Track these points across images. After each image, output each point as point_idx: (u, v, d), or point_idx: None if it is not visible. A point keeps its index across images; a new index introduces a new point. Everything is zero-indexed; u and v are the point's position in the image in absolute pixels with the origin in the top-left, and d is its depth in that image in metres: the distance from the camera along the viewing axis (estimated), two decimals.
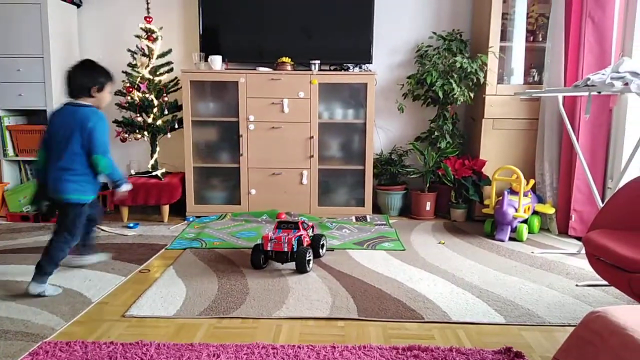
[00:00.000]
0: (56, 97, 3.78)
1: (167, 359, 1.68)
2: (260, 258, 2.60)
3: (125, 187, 2.41)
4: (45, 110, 3.76)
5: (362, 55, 3.85)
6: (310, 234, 2.80)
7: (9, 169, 3.89)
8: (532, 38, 3.69)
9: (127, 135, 3.73)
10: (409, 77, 3.86)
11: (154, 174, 3.76)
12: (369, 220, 3.66)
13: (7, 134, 3.81)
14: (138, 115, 3.69)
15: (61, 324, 1.95)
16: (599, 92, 2.60)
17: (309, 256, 2.58)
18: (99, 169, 2.30)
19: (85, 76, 2.36)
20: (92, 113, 2.32)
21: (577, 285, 2.42)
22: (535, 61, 3.70)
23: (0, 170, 3.83)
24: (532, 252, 2.98)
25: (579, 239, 3.20)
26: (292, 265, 2.60)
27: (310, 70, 3.64)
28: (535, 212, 3.44)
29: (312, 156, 3.68)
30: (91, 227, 2.58)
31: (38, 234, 3.25)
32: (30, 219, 3.60)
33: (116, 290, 2.34)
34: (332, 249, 2.96)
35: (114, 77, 2.45)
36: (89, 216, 2.43)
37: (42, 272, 2.24)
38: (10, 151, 3.84)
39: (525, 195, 3.32)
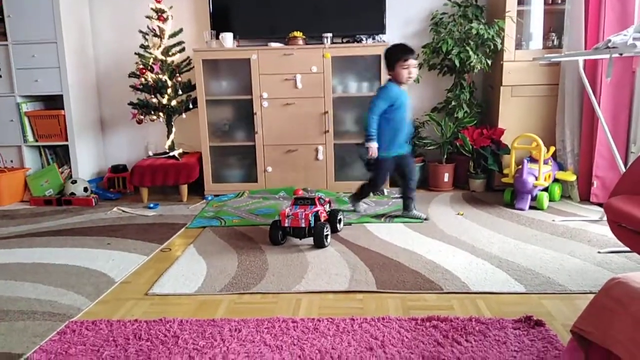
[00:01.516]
0: (71, 81, 3.81)
1: (190, 335, 1.72)
2: (278, 234, 2.62)
3: (369, 144, 2.88)
4: (61, 95, 3.80)
5: (375, 26, 3.77)
6: (327, 209, 2.80)
7: (30, 154, 3.96)
8: (550, 0, 3.56)
9: (142, 117, 3.75)
10: (423, 47, 3.78)
11: (171, 154, 3.79)
12: (386, 193, 3.64)
13: (26, 120, 3.87)
14: (152, 96, 3.70)
15: (86, 304, 2.01)
16: (621, 54, 2.50)
17: (327, 231, 2.59)
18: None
19: (385, 57, 2.96)
20: (380, 87, 2.99)
21: (599, 253, 2.39)
22: (554, 24, 3.59)
23: (21, 155, 3.91)
24: (553, 220, 2.94)
25: (601, 205, 3.14)
26: (310, 240, 2.62)
27: (323, 43, 3.59)
28: (556, 180, 3.39)
29: (327, 131, 3.66)
30: (405, 182, 3.03)
31: (61, 217, 3.32)
32: (53, 203, 3.68)
33: (139, 269, 2.39)
34: (349, 224, 2.96)
35: (407, 53, 2.86)
36: (400, 172, 3.01)
37: (357, 198, 3.16)
38: (30, 137, 3.91)
39: (545, 163, 3.26)
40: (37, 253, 2.62)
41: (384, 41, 3.75)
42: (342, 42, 3.77)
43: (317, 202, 2.69)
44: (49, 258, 2.54)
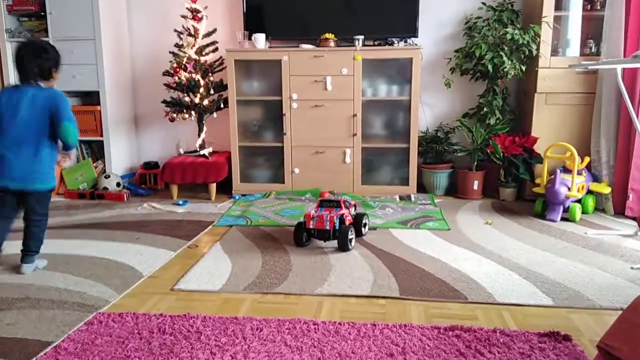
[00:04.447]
0: (107, 78, 3.91)
1: (213, 331, 1.74)
2: (302, 236, 2.63)
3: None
4: (98, 92, 3.91)
5: (407, 29, 3.75)
6: (353, 212, 2.80)
7: None
8: (589, 6, 3.47)
9: (175, 115, 3.82)
10: (456, 51, 3.73)
11: (201, 153, 3.85)
12: (413, 199, 3.61)
13: None
14: (185, 95, 3.76)
15: (114, 296, 2.06)
16: None
17: (351, 234, 2.58)
18: None
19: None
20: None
21: (632, 268, 2.31)
22: (592, 31, 3.49)
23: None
24: (585, 233, 2.86)
25: (636, 219, 3.04)
26: (334, 243, 2.62)
27: (354, 46, 3.58)
28: (589, 192, 3.29)
29: (356, 134, 3.65)
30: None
31: (93, 211, 3.41)
32: (86, 197, 3.78)
33: (166, 264, 2.43)
34: (374, 228, 2.95)
35: None
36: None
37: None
38: None
39: (579, 173, 3.17)
40: (69, 245, 2.70)
41: (416, 44, 3.72)
42: (374, 45, 3.75)
43: (342, 205, 2.69)
44: (80, 250, 2.61)
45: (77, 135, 2.35)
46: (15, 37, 3.95)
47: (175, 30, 3.81)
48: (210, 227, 3.04)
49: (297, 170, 3.75)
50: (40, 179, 2.27)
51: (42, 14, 3.87)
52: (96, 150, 4.15)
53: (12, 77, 3.96)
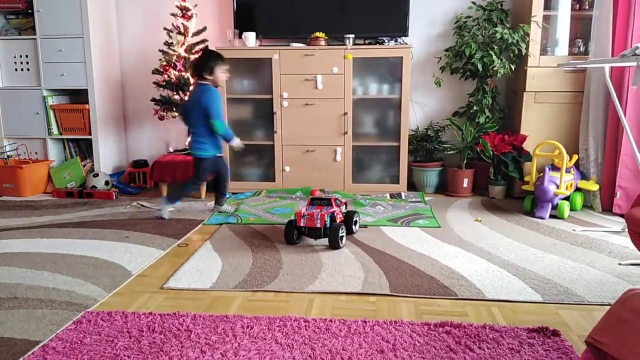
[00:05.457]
0: (96, 76, 3.88)
1: (203, 330, 1.73)
2: (293, 234, 2.62)
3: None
4: (86, 90, 3.87)
5: (398, 28, 3.75)
6: (344, 210, 2.80)
7: (54, 146, 4.05)
8: (578, 6, 3.50)
9: (164, 113, 3.80)
10: (446, 50, 3.75)
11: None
12: (403, 197, 3.62)
13: (51, 113, 3.95)
14: (175, 93, 3.74)
15: (103, 295, 2.04)
16: None
17: (342, 232, 2.58)
18: None
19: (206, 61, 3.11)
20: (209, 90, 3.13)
21: (619, 264, 2.34)
22: (581, 30, 3.53)
23: (45, 148, 4.00)
24: (574, 230, 2.88)
25: (623, 216, 3.07)
26: (325, 241, 2.62)
27: (345, 44, 3.59)
28: (578, 189, 3.32)
29: (346, 133, 3.66)
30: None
31: (82, 209, 3.38)
32: (74, 195, 3.74)
33: (155, 263, 2.41)
34: (365, 226, 2.95)
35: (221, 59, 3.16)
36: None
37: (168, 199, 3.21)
38: (54, 130, 3.99)
39: (567, 171, 3.20)
40: (57, 244, 2.68)
41: (406, 43, 3.73)
42: (364, 44, 3.76)
43: (333, 203, 2.69)
44: (69, 249, 2.58)
45: (222, 128, 3.07)
46: (2, 35, 3.90)
47: (165, 29, 3.79)
48: (200, 225, 3.03)
49: (287, 169, 3.75)
50: (197, 148, 3.11)
51: (30, 11, 3.83)
52: (84, 149, 4.11)
53: (0, 74, 3.93)
